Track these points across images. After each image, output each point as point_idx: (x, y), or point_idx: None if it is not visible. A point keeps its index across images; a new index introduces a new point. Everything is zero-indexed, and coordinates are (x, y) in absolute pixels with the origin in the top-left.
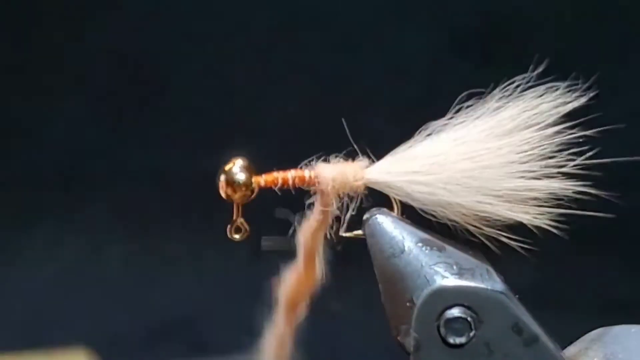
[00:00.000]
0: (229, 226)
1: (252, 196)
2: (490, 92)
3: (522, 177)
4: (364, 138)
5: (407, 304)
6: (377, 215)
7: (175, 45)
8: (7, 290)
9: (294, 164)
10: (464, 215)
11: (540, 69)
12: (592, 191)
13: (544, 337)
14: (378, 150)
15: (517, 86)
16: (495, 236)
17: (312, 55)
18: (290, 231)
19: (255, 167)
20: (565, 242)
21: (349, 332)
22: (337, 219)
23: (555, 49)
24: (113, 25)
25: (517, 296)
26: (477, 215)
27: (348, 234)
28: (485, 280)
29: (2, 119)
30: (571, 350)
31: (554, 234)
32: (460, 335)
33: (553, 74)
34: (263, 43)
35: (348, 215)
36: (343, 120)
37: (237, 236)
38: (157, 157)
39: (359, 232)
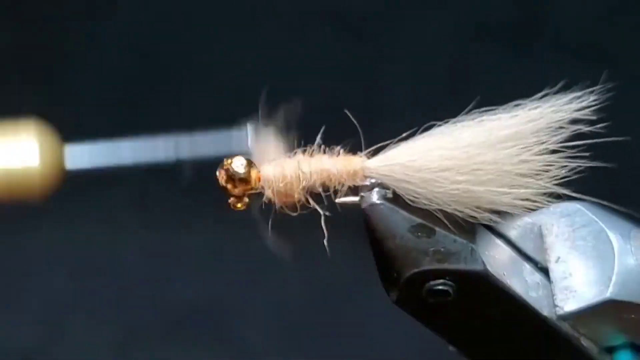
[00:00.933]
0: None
1: (253, 192)
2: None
3: (524, 179)
4: (381, 130)
5: (395, 274)
6: (373, 197)
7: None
8: (26, 280)
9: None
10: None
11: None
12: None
13: (524, 302)
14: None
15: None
16: None
17: (329, 45)
18: None
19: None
20: None
21: None
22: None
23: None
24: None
25: None
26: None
27: (343, 200)
28: (468, 262)
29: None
30: (542, 219)
31: None
32: (441, 298)
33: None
34: (277, 32)
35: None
36: (347, 112)
37: (239, 205)
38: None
39: (355, 198)
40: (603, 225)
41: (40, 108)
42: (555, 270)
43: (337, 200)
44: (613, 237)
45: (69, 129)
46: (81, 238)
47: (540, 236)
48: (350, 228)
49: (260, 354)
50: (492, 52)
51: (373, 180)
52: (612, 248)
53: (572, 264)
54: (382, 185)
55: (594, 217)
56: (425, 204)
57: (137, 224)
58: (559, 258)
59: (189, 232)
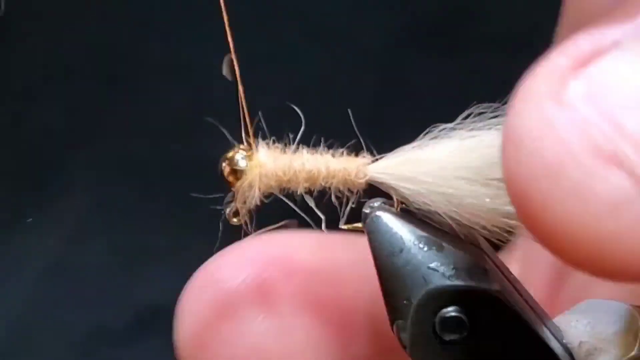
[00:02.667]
0: (228, 210)
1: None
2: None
3: None
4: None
5: (404, 302)
6: (377, 212)
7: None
8: None
9: None
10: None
11: None
12: None
13: (536, 332)
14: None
15: None
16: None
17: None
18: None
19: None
20: None
21: None
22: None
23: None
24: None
25: None
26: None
27: (347, 226)
28: (481, 281)
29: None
30: (560, 319)
31: None
32: (456, 333)
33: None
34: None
35: (348, 209)
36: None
37: (235, 220)
38: (136, 145)
39: (359, 224)
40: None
41: None
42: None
43: (341, 226)
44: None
45: None
46: (46, 240)
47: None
48: None
49: None
50: (423, 55)
51: (377, 204)
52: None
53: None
54: (385, 201)
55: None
56: (429, 211)
57: (101, 225)
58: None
59: (153, 232)
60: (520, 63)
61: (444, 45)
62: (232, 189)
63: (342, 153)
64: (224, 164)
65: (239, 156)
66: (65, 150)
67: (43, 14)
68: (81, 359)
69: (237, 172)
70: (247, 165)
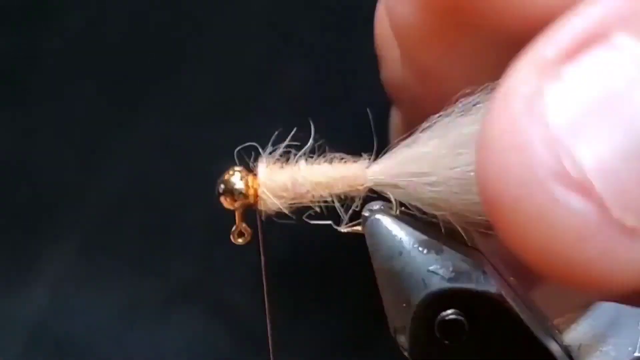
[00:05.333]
0: (232, 231)
1: (253, 204)
2: None
3: None
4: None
5: (404, 304)
6: (376, 215)
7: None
8: (30, 267)
9: None
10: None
11: None
12: None
13: (535, 334)
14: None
15: None
16: None
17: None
18: None
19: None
20: None
21: None
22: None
23: None
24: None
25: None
26: (477, 217)
27: (347, 229)
28: (481, 284)
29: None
30: (561, 322)
31: None
32: (455, 335)
33: None
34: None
35: (349, 213)
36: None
37: (240, 240)
38: (172, 130)
39: (358, 227)
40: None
41: None
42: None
43: (340, 229)
44: None
45: None
46: (79, 224)
47: None
48: None
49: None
50: None
51: (377, 207)
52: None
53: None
54: (384, 204)
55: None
56: (429, 212)
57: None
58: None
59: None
60: None
61: None
62: (232, 208)
63: (342, 160)
64: (221, 187)
65: (235, 178)
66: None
67: None
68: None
69: (234, 194)
70: (244, 187)
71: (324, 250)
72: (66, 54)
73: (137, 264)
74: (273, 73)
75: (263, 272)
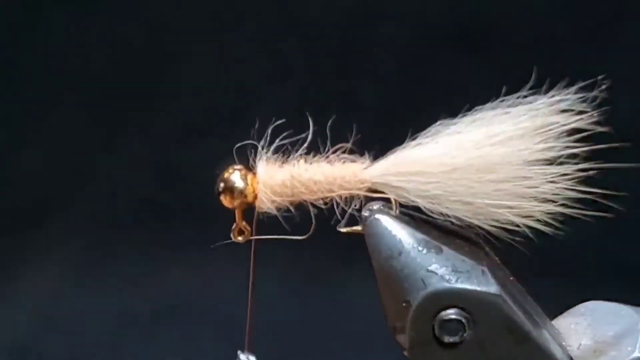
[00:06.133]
0: (232, 229)
1: (253, 203)
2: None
3: (525, 180)
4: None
5: (403, 304)
6: (376, 215)
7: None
8: (19, 281)
9: None
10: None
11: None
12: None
13: (535, 334)
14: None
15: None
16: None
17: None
18: None
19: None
20: None
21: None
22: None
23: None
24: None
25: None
26: (478, 216)
27: (346, 230)
28: (481, 283)
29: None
30: (560, 322)
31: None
32: (454, 335)
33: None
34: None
35: (348, 213)
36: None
37: (240, 238)
38: (158, 149)
39: (358, 227)
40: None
41: None
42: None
43: (339, 229)
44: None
45: None
46: (69, 240)
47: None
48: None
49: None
50: (448, 56)
51: (376, 207)
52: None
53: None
54: (384, 205)
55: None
56: (428, 211)
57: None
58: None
59: (176, 230)
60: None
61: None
62: (232, 206)
63: (342, 160)
64: (220, 185)
65: (235, 176)
66: (87, 151)
67: None
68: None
69: (234, 192)
70: (244, 185)
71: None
72: (52, 74)
73: (124, 281)
74: (257, 92)
75: (251, 268)
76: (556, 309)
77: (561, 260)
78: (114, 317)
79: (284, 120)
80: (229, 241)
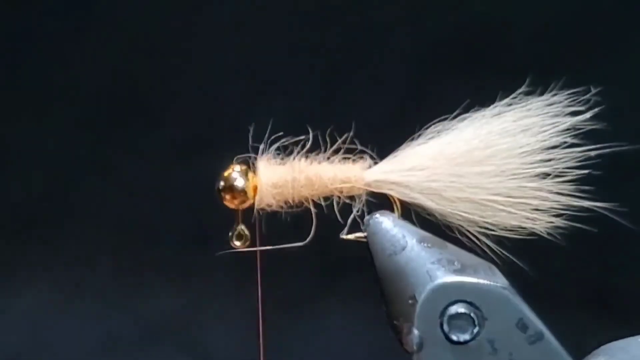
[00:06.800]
0: (230, 233)
1: (253, 201)
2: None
3: (524, 180)
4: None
5: (409, 301)
6: (378, 215)
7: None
8: (5, 302)
9: None
10: (468, 219)
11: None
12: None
13: (548, 334)
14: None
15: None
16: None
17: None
18: None
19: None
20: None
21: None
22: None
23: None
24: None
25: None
26: (479, 218)
27: (349, 237)
28: (488, 276)
29: None
30: None
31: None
32: (464, 332)
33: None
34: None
35: (350, 218)
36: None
37: (238, 243)
38: (148, 167)
39: (360, 234)
40: None
41: None
42: None
43: (342, 236)
44: None
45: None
46: (56, 259)
47: None
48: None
49: None
50: (446, 74)
51: (378, 215)
52: None
53: None
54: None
55: None
56: (430, 213)
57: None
58: None
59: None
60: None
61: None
62: (232, 205)
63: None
64: (220, 183)
65: (235, 175)
66: (77, 171)
67: None
68: None
69: (235, 193)
70: (244, 183)
71: None
72: (44, 93)
73: (111, 302)
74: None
75: (258, 273)
76: None
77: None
78: (101, 338)
79: (284, 119)
80: (231, 250)
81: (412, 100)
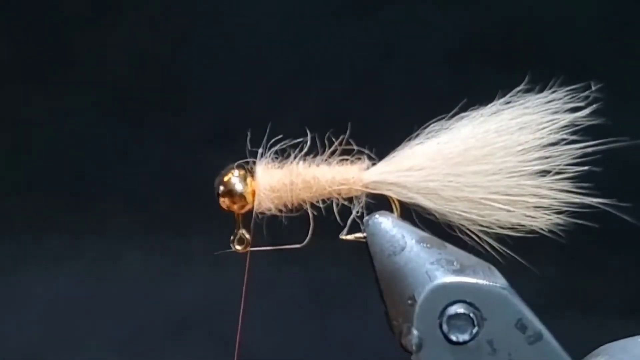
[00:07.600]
0: (231, 237)
1: (252, 204)
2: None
3: (524, 178)
4: (374, 142)
5: (409, 301)
6: (377, 215)
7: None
8: (31, 290)
9: None
10: (466, 218)
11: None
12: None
13: (547, 335)
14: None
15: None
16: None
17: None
18: None
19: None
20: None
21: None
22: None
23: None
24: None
25: None
26: (478, 217)
27: (349, 237)
28: (488, 277)
29: (12, 121)
30: None
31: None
32: (463, 333)
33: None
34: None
35: (350, 219)
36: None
37: (239, 247)
38: (174, 156)
39: (360, 234)
40: None
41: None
42: None
43: (341, 237)
44: None
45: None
46: (82, 247)
47: None
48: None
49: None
50: (484, 71)
51: (377, 216)
52: None
53: None
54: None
55: None
56: (429, 212)
57: (137, 232)
58: None
59: (189, 235)
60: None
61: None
62: (231, 209)
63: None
64: (220, 188)
65: (234, 179)
66: (104, 159)
67: None
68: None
69: (234, 197)
70: (242, 187)
71: None
72: (71, 80)
73: (138, 295)
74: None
75: (245, 274)
76: None
77: None
78: (126, 332)
79: (284, 122)
80: (229, 250)
81: (413, 100)
